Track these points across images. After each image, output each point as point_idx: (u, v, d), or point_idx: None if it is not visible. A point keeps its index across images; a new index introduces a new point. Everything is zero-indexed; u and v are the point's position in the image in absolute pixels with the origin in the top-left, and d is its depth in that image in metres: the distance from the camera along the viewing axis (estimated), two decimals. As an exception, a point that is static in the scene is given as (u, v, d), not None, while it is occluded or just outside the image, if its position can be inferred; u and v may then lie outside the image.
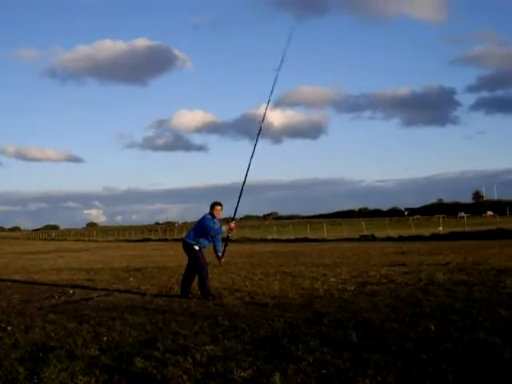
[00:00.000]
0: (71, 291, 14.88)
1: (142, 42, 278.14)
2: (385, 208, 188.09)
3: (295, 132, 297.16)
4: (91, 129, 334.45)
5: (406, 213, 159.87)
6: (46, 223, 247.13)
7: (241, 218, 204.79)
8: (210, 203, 13.21)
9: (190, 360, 7.01)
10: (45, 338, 8.76)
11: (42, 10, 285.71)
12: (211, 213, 13.06)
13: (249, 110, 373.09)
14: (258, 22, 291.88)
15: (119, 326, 9.48)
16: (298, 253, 29.44)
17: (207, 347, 7.62)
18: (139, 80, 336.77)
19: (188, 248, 13.38)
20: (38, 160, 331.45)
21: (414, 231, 52.79)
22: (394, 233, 51.77)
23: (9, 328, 9.83)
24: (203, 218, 13.05)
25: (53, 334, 9.01)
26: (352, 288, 13.44)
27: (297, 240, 50.90)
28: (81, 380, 6.35)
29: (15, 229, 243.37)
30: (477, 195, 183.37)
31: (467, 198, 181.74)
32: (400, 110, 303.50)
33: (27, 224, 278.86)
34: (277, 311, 10.45)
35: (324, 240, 49.21)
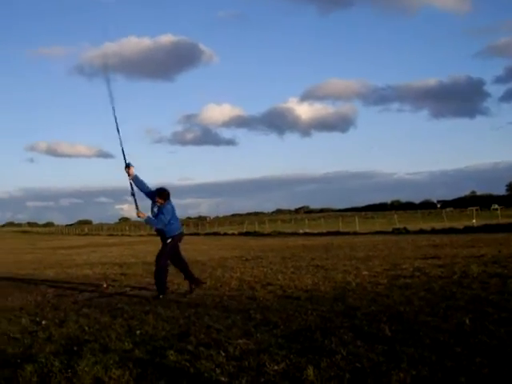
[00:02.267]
0: (104, 285, 14.97)
1: (167, 38, 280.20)
2: (417, 201, 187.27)
3: (324, 125, 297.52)
4: (120, 124, 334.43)
5: (438, 205, 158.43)
6: (79, 218, 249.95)
7: (272, 212, 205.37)
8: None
9: (223, 353, 7.02)
10: (79, 332, 8.84)
11: (69, 7, 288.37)
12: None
13: (276, 103, 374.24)
14: (283, 16, 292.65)
15: (152, 320, 9.52)
16: (330, 246, 29.32)
17: (240, 341, 7.62)
18: (166, 75, 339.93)
19: None
20: (69, 156, 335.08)
21: (447, 224, 52.47)
22: (426, 225, 51.44)
23: (43, 322, 9.92)
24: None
25: (87, 328, 9.08)
26: (385, 281, 13.36)
27: (329, 233, 50.75)
28: (114, 373, 6.39)
29: (49, 224, 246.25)
30: (511, 187, 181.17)
31: (501, 190, 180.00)
32: (428, 102, 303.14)
33: (60, 219, 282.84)
34: (309, 304, 10.42)
35: (356, 233, 49.03)
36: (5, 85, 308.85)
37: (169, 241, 12.74)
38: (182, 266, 13.24)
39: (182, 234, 13.33)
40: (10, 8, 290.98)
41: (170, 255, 12.88)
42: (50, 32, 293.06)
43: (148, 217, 12.64)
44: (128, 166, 12.61)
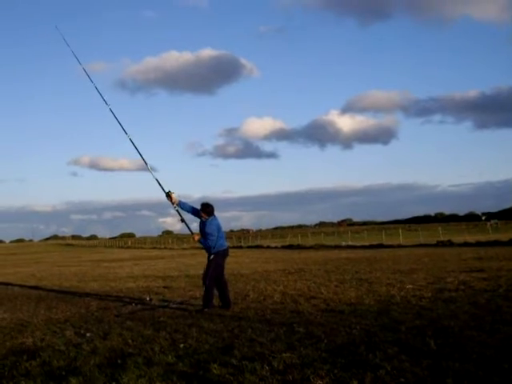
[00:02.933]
0: (148, 298, 15.04)
1: (207, 52, 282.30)
2: (461, 213, 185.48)
3: (365, 137, 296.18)
4: (163, 138, 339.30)
5: (483, 217, 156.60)
6: (122, 231, 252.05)
7: (315, 225, 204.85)
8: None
9: (267, 367, 7.00)
10: (123, 345, 8.88)
11: (110, 23, 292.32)
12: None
13: (317, 116, 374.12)
14: (322, 29, 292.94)
15: (196, 333, 9.54)
16: (374, 259, 29.13)
17: (284, 354, 7.59)
18: (207, 89, 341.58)
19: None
20: (112, 170, 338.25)
21: (492, 236, 51.76)
22: (471, 238, 50.87)
23: (88, 334, 10.00)
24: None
25: (130, 341, 9.13)
26: (429, 294, 13.22)
27: (372, 246, 50.40)
28: (159, 387, 6.41)
29: (92, 237, 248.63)
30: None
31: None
32: (471, 113, 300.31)
33: (104, 232, 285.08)
34: (353, 318, 10.36)
35: (399, 246, 48.61)
36: (51, 100, 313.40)
37: (211, 257, 12.71)
38: (221, 284, 12.85)
39: (226, 251, 13.03)
40: (58, 26, 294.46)
41: (215, 273, 12.64)
42: (92, 48, 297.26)
43: (201, 241, 12.72)
44: (169, 195, 12.79)
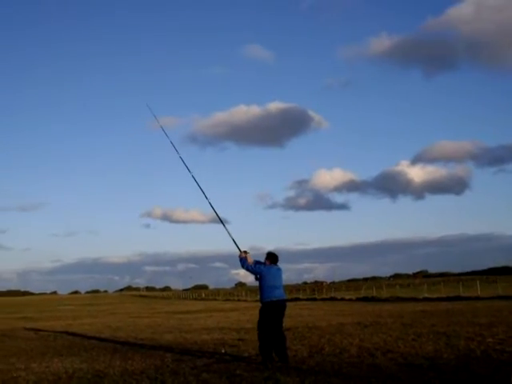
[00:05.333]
0: (223, 350, 15.02)
1: (275, 105, 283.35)
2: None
3: (437, 188, 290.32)
4: (233, 191, 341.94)
5: None
6: (196, 283, 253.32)
7: (390, 277, 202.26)
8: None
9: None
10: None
11: (180, 80, 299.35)
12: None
13: (387, 167, 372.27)
14: (387, 80, 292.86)
15: (272, 387, 9.46)
16: (451, 312, 28.54)
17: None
18: (276, 142, 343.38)
19: (285, 306, 12.88)
20: (184, 222, 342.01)
21: None
22: (553, 290, 49.36)
23: (164, 387, 10.03)
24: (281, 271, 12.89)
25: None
26: (511, 349, 12.86)
27: (449, 298, 49.38)
28: None
29: (166, 288, 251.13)
30: None
31: None
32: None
33: (177, 284, 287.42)
34: (432, 373, 10.16)
35: (477, 298, 47.47)
36: (123, 154, 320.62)
37: (260, 307, 12.70)
38: (277, 338, 12.37)
39: (276, 303, 12.49)
40: (129, 84, 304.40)
41: (263, 323, 12.45)
42: (162, 104, 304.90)
43: (242, 260, 12.84)
44: (245, 258, 12.88)
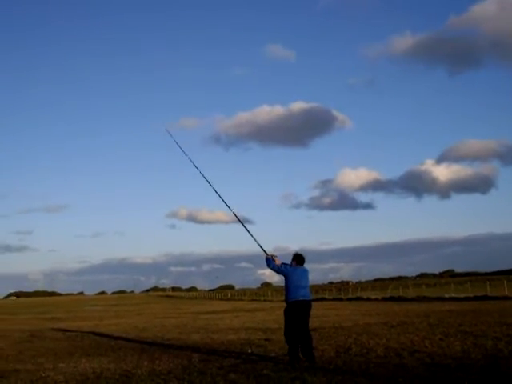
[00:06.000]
0: (249, 351, 15.03)
1: (299, 105, 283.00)
2: None
3: (463, 187, 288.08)
4: (258, 191, 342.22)
5: None
6: (222, 283, 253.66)
7: (416, 276, 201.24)
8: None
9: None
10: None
11: (203, 81, 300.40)
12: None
13: (412, 166, 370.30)
14: (412, 79, 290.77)
15: (299, 387, 9.46)
16: (478, 311, 28.34)
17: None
18: (300, 142, 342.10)
19: (311, 306, 12.84)
20: (209, 222, 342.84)
21: None
22: None
23: (191, 387, 10.06)
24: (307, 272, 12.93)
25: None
26: (539, 349, 12.77)
27: (476, 298, 49.04)
28: None
29: (192, 289, 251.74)
30: None
31: None
32: None
33: (203, 284, 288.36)
34: (460, 373, 10.09)
35: (505, 297, 47.10)
36: (147, 155, 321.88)
37: (285, 307, 12.74)
38: (303, 338, 12.34)
39: (301, 303, 12.48)
40: (153, 84, 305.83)
41: (289, 323, 12.50)
42: (185, 105, 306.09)
43: (268, 260, 12.91)
44: (272, 259, 12.94)
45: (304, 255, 12.98)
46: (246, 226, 13.58)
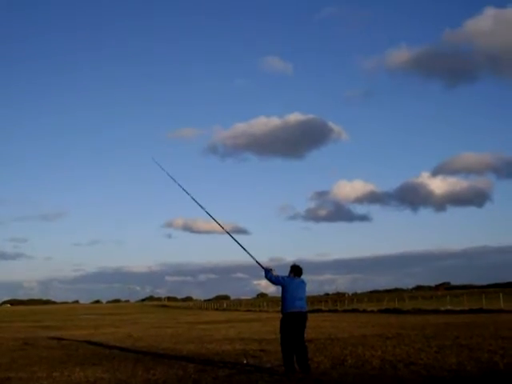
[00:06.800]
0: (244, 361, 15.00)
1: (295, 117, 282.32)
2: None
3: (458, 200, 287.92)
4: (254, 202, 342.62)
5: None
6: (217, 293, 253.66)
7: (412, 289, 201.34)
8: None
9: None
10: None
11: (201, 91, 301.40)
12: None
13: (408, 178, 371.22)
14: (408, 92, 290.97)
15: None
16: (474, 324, 28.34)
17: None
18: (296, 153, 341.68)
19: (306, 317, 12.82)
20: (205, 232, 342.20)
21: None
22: None
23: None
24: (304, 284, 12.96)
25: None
26: (535, 362, 12.75)
27: (471, 311, 49.05)
28: None
29: (188, 299, 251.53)
30: None
31: None
32: None
33: (199, 294, 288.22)
34: (455, 386, 10.08)
35: (501, 311, 47.10)
36: (145, 165, 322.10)
37: (281, 317, 12.73)
38: (299, 349, 12.38)
39: (297, 314, 12.52)
40: (153, 94, 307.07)
41: (284, 334, 12.50)
42: (183, 115, 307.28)
43: (266, 270, 12.93)
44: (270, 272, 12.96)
45: (301, 267, 13.00)
46: (241, 244, 13.62)
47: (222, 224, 14.40)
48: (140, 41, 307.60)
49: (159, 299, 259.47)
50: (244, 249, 13.45)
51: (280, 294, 12.92)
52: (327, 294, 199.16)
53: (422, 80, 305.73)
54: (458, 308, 54.02)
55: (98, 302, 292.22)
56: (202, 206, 14.77)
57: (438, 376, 11.26)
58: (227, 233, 14.03)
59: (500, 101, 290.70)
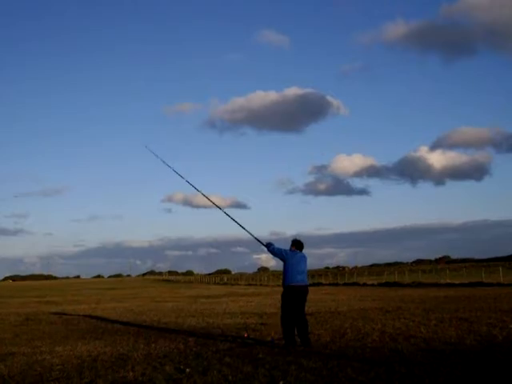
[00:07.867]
0: (245, 335, 15.05)
1: (293, 91, 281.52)
2: None
3: (457, 173, 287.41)
4: (253, 176, 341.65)
5: None
6: (218, 268, 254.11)
7: (412, 262, 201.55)
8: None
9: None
10: (222, 381, 8.94)
11: (198, 67, 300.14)
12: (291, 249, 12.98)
13: (408, 152, 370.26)
14: (406, 66, 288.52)
15: (295, 371, 9.49)
16: (473, 297, 28.47)
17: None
18: (294, 128, 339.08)
19: (307, 291, 12.98)
20: (205, 207, 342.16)
21: None
22: None
23: (187, 370, 10.08)
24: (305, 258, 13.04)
25: (230, 377, 9.17)
26: (534, 335, 12.83)
27: (471, 284, 49.21)
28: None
29: (189, 273, 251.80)
30: None
31: None
32: None
33: (200, 268, 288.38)
34: (454, 358, 10.14)
35: (500, 284, 47.25)
36: (144, 139, 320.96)
37: (282, 291, 12.85)
38: (299, 323, 12.59)
39: (298, 288, 12.67)
40: (152, 68, 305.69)
41: (285, 307, 12.67)
42: (182, 90, 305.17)
43: (267, 244, 13.06)
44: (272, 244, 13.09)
45: (303, 241, 13.05)
46: (240, 223, 13.69)
47: (219, 204, 14.46)
48: (135, 19, 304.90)
49: (160, 273, 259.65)
50: (242, 227, 13.50)
51: (281, 268, 13.00)
52: (327, 268, 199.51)
53: (419, 54, 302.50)
54: (457, 281, 54.20)
55: (99, 276, 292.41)
56: (197, 189, 14.89)
57: (437, 349, 11.32)
58: (225, 213, 14.06)
59: (499, 74, 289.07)
